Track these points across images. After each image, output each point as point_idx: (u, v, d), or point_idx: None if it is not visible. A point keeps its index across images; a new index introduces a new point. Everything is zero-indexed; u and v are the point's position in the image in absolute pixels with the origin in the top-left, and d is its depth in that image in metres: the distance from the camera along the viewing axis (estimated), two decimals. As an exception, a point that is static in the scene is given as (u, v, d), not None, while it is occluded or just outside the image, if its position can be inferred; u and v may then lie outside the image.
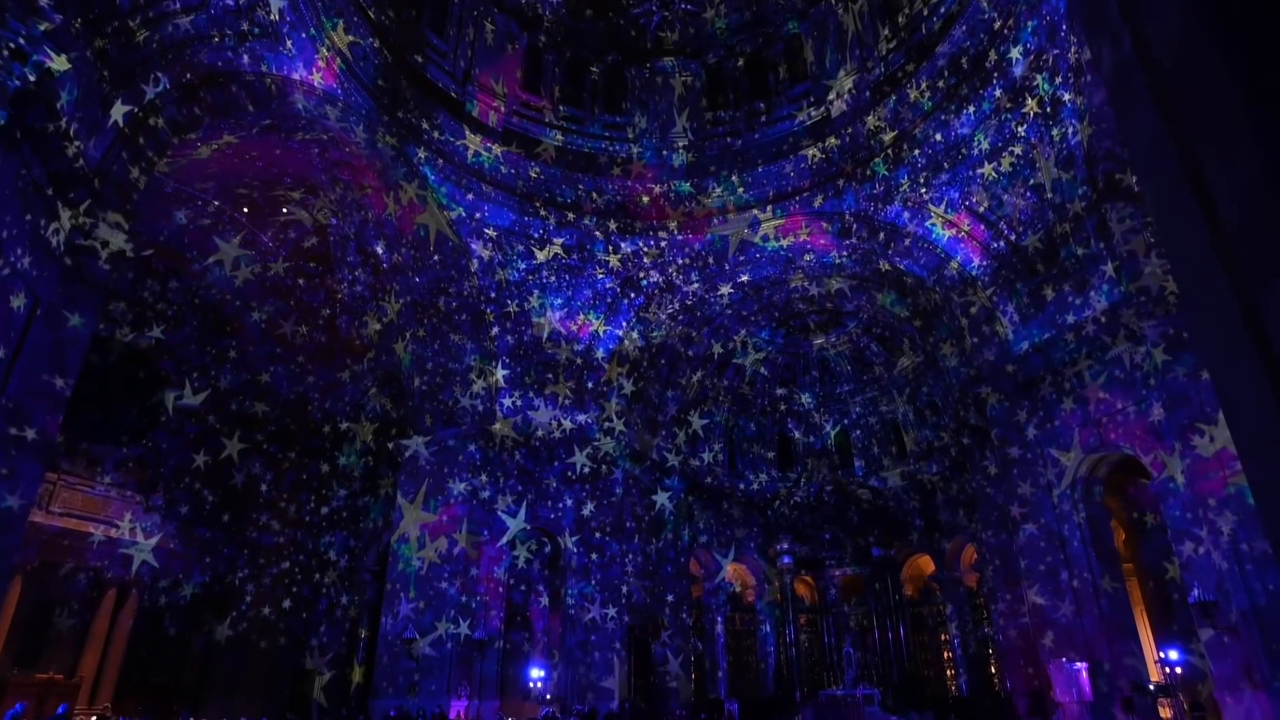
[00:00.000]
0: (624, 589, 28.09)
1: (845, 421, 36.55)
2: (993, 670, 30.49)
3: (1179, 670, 19.69)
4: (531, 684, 26.08)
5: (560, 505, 28.52)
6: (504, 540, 25.93)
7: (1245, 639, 17.19)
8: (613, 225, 29.01)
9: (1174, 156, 3.43)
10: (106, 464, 26.82)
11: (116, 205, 16.29)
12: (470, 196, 28.00)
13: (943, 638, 32.85)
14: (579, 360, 30.58)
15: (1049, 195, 23.00)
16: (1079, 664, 20.92)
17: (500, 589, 26.64)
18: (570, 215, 29.08)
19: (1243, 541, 17.00)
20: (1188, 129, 3.45)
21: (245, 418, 30.09)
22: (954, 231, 25.89)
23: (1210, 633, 17.97)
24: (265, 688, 28.31)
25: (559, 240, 29.20)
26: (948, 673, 32.40)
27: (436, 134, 26.57)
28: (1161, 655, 20.43)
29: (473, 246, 28.53)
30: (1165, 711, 20.22)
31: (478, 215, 28.38)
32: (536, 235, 29.11)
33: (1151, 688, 20.40)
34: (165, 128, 18.32)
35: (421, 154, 26.38)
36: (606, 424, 29.42)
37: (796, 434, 37.11)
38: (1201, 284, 3.51)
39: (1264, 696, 16.77)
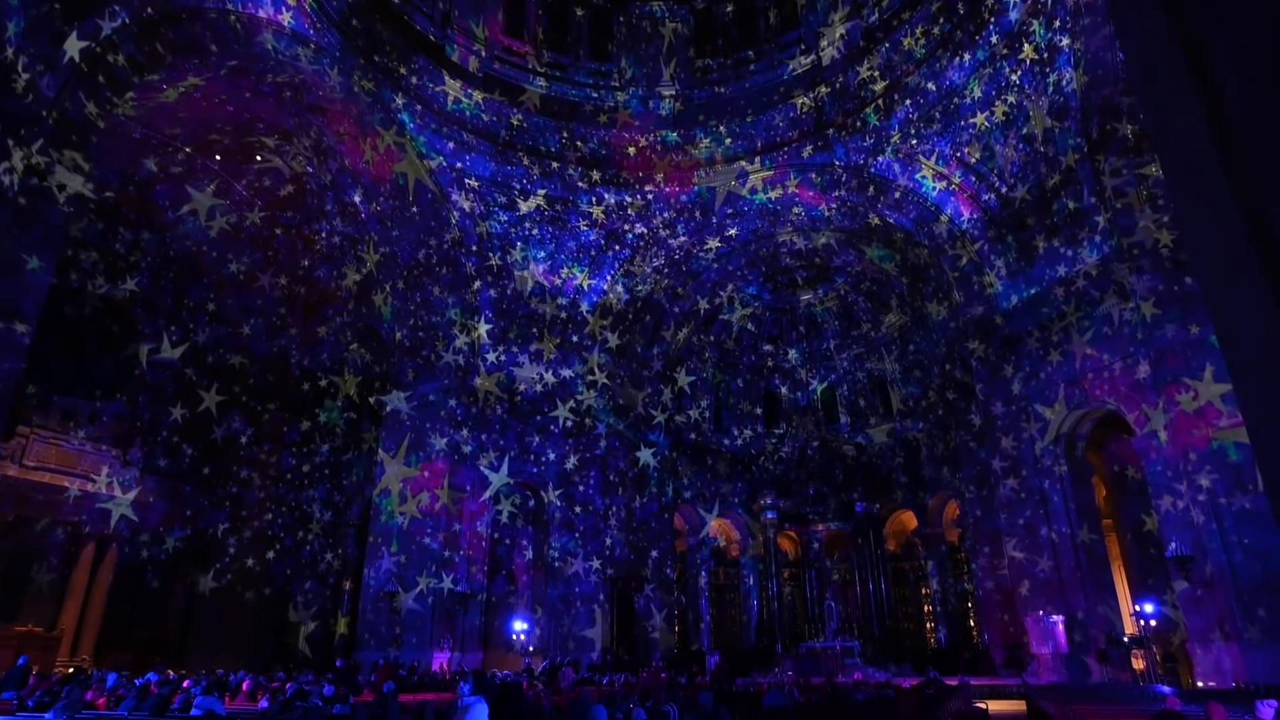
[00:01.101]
0: (607, 543, 28.14)
1: (832, 378, 36.40)
2: (972, 624, 30.95)
3: (1153, 623, 19.92)
4: (515, 636, 26.24)
5: (544, 460, 28.38)
6: (487, 495, 25.82)
7: (1220, 593, 17.34)
8: (596, 176, 28.31)
9: (1178, 56, 3.03)
10: (81, 418, 26.34)
11: (74, 145, 15.56)
12: (450, 145, 27.17)
13: (924, 592, 33.27)
14: (563, 315, 30.14)
15: (1040, 147, 22.51)
16: (1055, 617, 21.14)
17: (483, 543, 26.61)
18: (554, 165, 28.32)
19: (1221, 497, 17.01)
20: (1194, 25, 3.04)
21: (223, 371, 29.61)
22: (944, 184, 25.39)
23: (1185, 586, 18.11)
24: (249, 640, 28.38)
25: (542, 191, 28.50)
26: (927, 626, 32.88)
27: (415, 79, 25.64)
28: (1137, 608, 20.66)
29: (453, 197, 27.82)
30: (1138, 663, 20.52)
31: (458, 165, 27.59)
32: (519, 186, 28.39)
33: (1126, 640, 20.66)
34: (125, 66, 17.51)
35: (399, 100, 25.49)
36: (590, 378, 29.11)
37: (783, 390, 36.97)
38: (1202, 196, 3.12)
39: (1235, 648, 16.98)
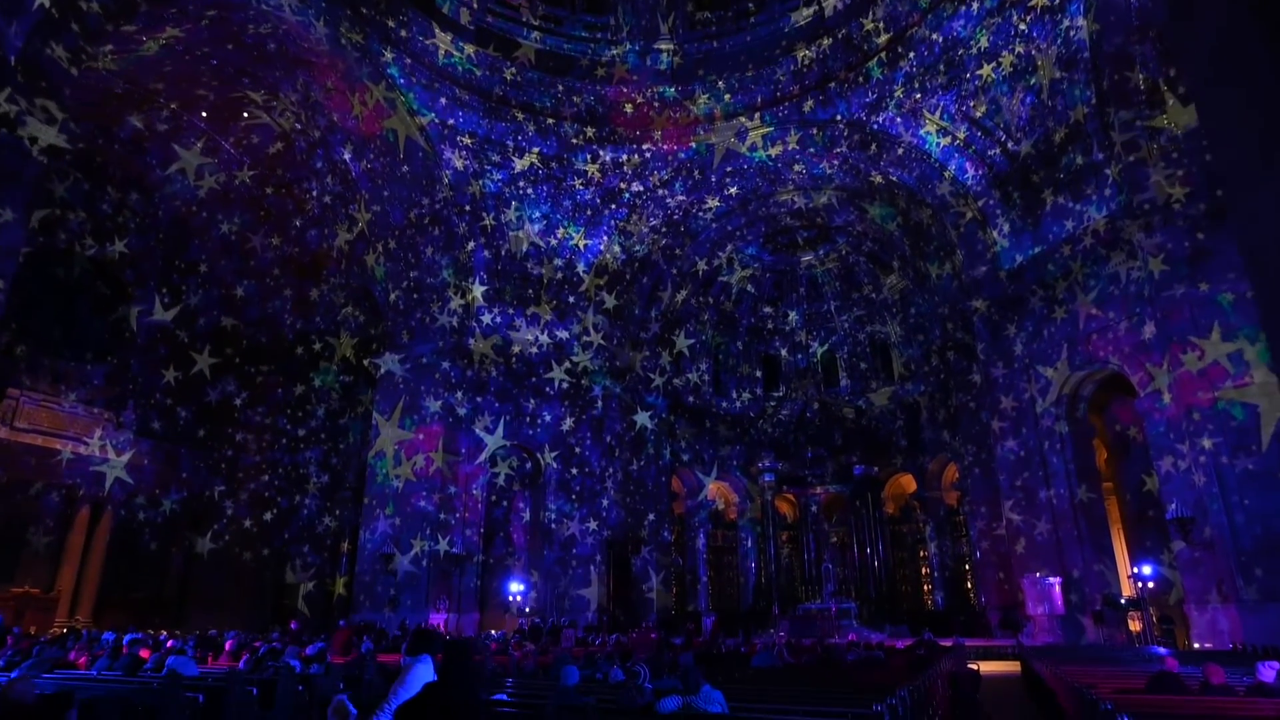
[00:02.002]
0: (603, 505, 28.05)
1: (833, 340, 36.00)
2: (969, 586, 30.96)
3: (1150, 585, 19.78)
4: (511, 598, 26.28)
5: (540, 422, 28.17)
6: (482, 457, 25.65)
7: (1219, 554, 17.13)
8: (592, 133, 27.60)
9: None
10: (72, 380, 26.12)
11: (45, 93, 15.02)
12: (442, 101, 26.46)
13: (921, 554, 33.27)
14: (559, 276, 29.67)
15: (1048, 100, 21.78)
16: (1052, 579, 21.02)
17: (479, 505, 26.52)
18: (549, 122, 27.61)
19: (1224, 457, 16.69)
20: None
21: (216, 334, 29.26)
22: (949, 140, 24.69)
23: (1184, 548, 17.91)
24: (248, 601, 28.51)
25: (536, 149, 27.84)
26: (925, 588, 32.94)
27: (404, 32, 24.86)
28: (1135, 570, 20.51)
29: (445, 155, 27.19)
30: (1135, 625, 20.43)
31: (450, 121, 26.91)
32: (512, 144, 27.71)
33: (1123, 602, 20.55)
34: (97, 13, 16.86)
35: (388, 54, 24.74)
36: (585, 339, 28.74)
37: (783, 353, 36.60)
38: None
39: (1233, 609, 16.81)
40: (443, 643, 4.11)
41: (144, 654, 9.98)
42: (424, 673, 4.01)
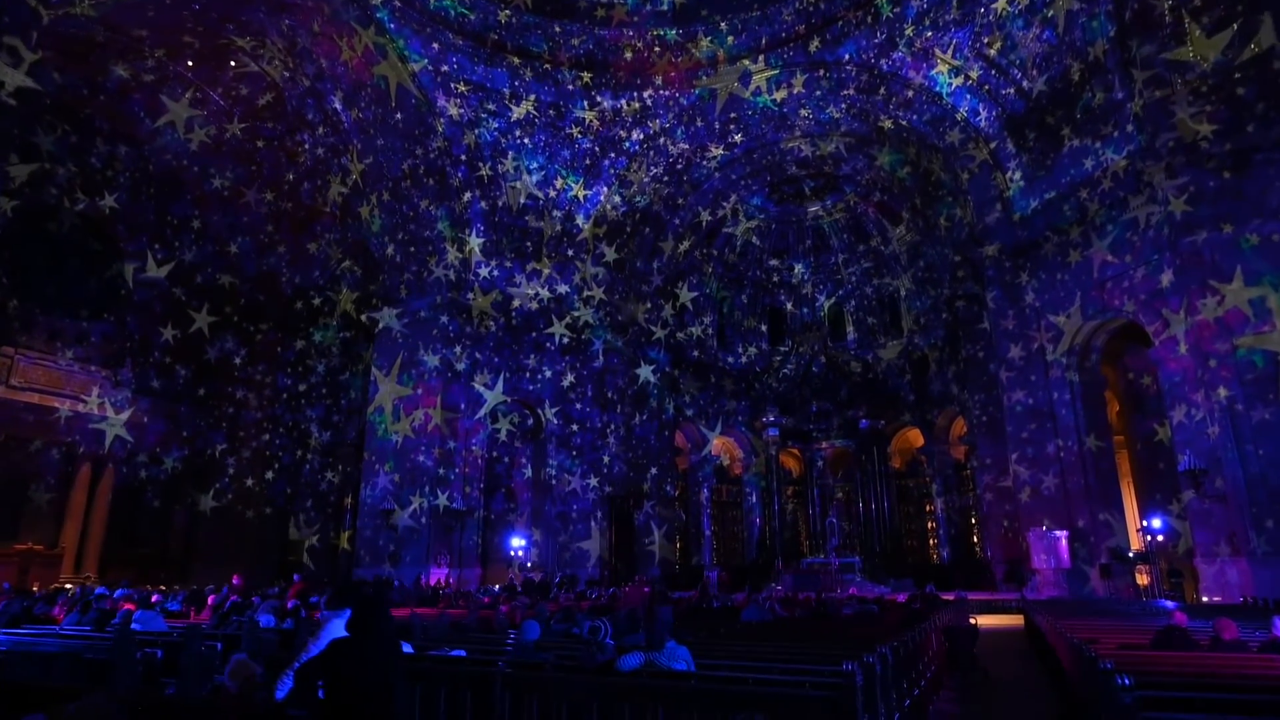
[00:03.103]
0: (605, 460, 27.79)
1: (840, 294, 35.25)
2: (975, 540, 30.71)
3: (1160, 538, 19.36)
4: (513, 553, 26.26)
5: (540, 377, 27.79)
6: (481, 413, 25.35)
7: (1231, 506, 16.64)
8: (589, 77, 26.60)
9: None
10: (68, 338, 25.89)
11: (9, 29, 14.37)
12: (435, 47, 25.51)
13: (928, 509, 32.98)
14: (558, 227, 28.98)
15: (1065, 36, 20.65)
16: (1059, 532, 20.64)
17: (480, 461, 26.33)
18: (546, 67, 26.62)
19: (1240, 405, 16.07)
20: None
21: (213, 291, 28.86)
22: (961, 80, 23.61)
23: (1194, 499, 17.42)
24: (253, 556, 28.63)
25: (533, 96, 26.91)
26: (931, 543, 32.73)
27: (392, -28, 23.85)
28: (1144, 523, 20.08)
29: (439, 103, 26.34)
30: (1143, 578, 20.08)
31: (444, 68, 25.99)
32: (509, 90, 26.79)
33: (1131, 555, 20.18)
34: (63, -50, 16.07)
35: (376, -4, 23.78)
36: (587, 294, 28.16)
37: (788, 306, 35.90)
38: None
39: (1244, 562, 16.39)
40: (357, 596, 3.70)
41: (129, 607, 9.79)
42: (337, 628, 3.62)
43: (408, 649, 6.53)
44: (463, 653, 5.94)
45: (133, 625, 8.46)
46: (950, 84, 23.83)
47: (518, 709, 4.71)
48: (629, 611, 8.38)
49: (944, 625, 10.49)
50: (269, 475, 28.84)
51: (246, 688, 4.16)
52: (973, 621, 10.88)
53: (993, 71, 22.78)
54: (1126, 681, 4.02)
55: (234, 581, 16.85)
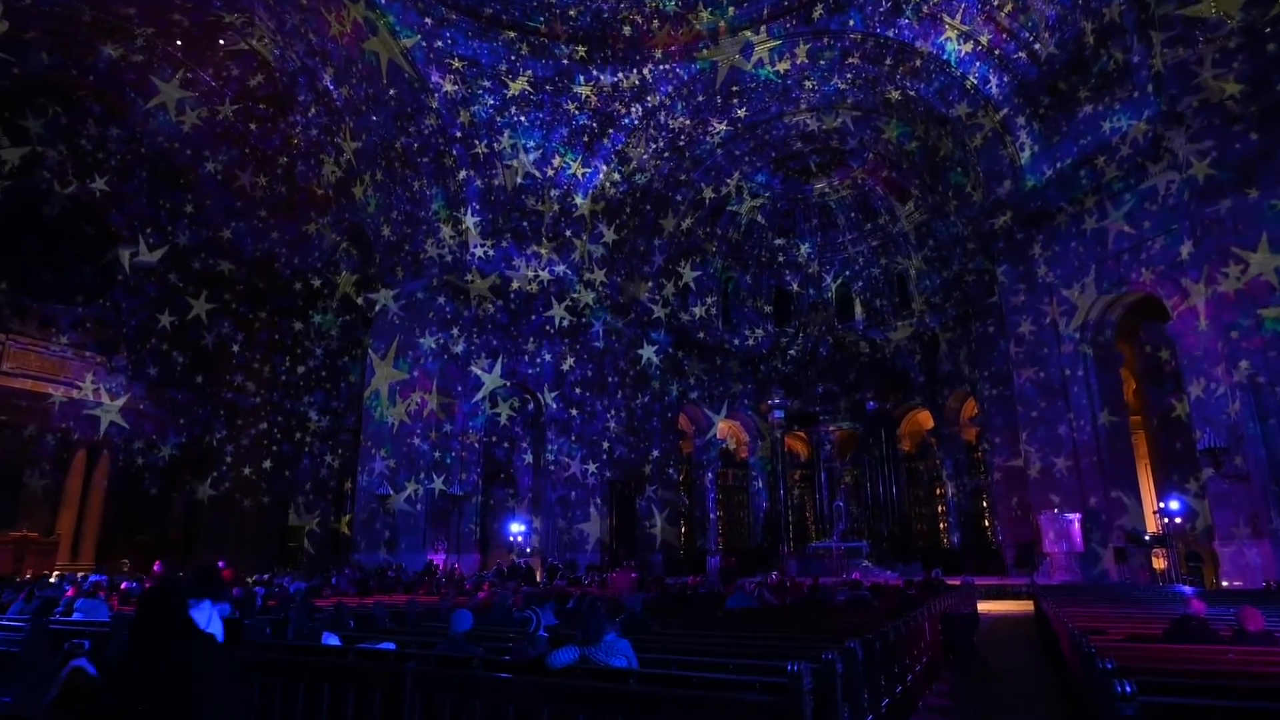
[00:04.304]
0: (605, 445, 27.25)
1: (847, 273, 34.38)
2: (986, 524, 29.94)
3: (1178, 520, 18.57)
4: (512, 538, 25.84)
5: (539, 360, 27.24)
6: (479, 397, 24.86)
7: (1254, 486, 15.83)
8: (584, 50, 25.83)
9: None
10: (61, 323, 25.60)
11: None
12: (428, 21, 24.80)
13: (938, 492, 32.22)
14: (556, 207, 28.31)
15: (1082, -5, 19.66)
16: (1071, 515, 19.87)
17: (477, 445, 25.87)
18: (543, 41, 25.87)
19: (1262, 377, 15.22)
20: None
21: (209, 276, 28.48)
22: (970, 46, 22.65)
23: (1214, 479, 16.62)
24: (253, 542, 28.39)
25: (529, 72, 26.19)
26: (941, 527, 32.00)
27: (381, -58, 23.16)
28: (1161, 505, 19.28)
29: (433, 80, 25.67)
30: (1159, 562, 19.31)
31: (438, 44, 25.29)
32: (505, 66, 26.08)
33: (1147, 538, 19.39)
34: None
35: (365, -33, 23.10)
36: (587, 275, 27.53)
37: (794, 286, 35.08)
38: None
39: (1266, 543, 15.60)
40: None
41: (71, 593, 9.36)
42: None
43: (335, 641, 6.04)
44: (393, 645, 5.40)
45: (75, 614, 8.03)
46: (959, 50, 22.89)
47: (430, 711, 4.16)
48: (590, 600, 7.81)
49: (940, 612, 9.86)
50: (267, 463, 28.54)
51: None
52: (974, 609, 10.24)
53: (1003, 35, 21.82)
54: (1128, 689, 3.34)
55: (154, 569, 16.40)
